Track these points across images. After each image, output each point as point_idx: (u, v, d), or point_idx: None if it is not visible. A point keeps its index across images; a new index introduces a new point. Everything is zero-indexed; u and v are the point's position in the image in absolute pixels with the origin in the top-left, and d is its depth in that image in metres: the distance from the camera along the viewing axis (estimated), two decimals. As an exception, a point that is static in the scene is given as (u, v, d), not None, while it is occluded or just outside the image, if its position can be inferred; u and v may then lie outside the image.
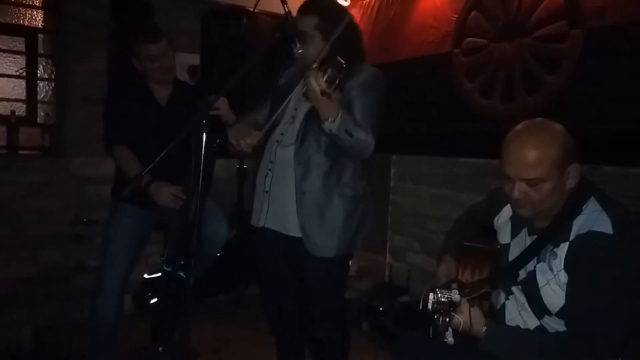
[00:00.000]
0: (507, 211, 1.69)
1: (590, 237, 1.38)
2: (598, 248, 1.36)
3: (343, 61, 1.64)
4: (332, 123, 1.77)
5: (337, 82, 1.64)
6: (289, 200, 2.03)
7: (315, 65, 1.72)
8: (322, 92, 1.65)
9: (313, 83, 1.66)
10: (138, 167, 2.40)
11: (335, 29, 1.86)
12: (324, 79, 1.63)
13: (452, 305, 1.39)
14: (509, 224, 1.67)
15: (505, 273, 1.60)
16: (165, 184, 2.39)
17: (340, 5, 2.24)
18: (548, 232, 1.49)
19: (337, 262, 2.08)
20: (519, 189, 1.45)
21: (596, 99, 2.39)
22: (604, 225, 1.37)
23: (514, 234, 1.64)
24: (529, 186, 1.44)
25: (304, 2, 2.06)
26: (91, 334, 2.49)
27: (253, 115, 2.26)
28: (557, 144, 1.42)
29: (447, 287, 1.47)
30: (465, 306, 1.41)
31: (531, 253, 1.52)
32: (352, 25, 2.09)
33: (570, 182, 1.45)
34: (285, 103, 2.04)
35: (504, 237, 1.68)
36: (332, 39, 1.85)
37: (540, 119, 1.49)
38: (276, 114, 2.03)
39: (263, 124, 2.13)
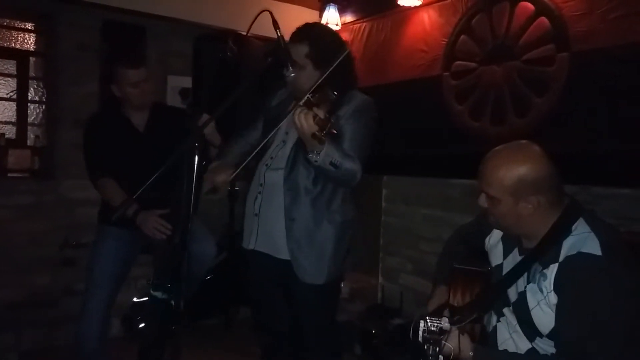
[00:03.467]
0: (498, 232, 1.70)
1: (579, 259, 1.38)
2: (586, 269, 1.36)
3: (335, 96, 1.63)
4: (317, 155, 1.77)
5: (329, 127, 1.60)
6: (278, 223, 2.02)
7: (308, 95, 1.71)
8: (313, 135, 1.63)
9: (304, 124, 1.64)
10: (122, 197, 2.37)
11: (326, 57, 1.86)
12: (315, 121, 1.61)
13: (443, 334, 1.38)
14: (500, 244, 1.67)
15: (494, 292, 1.59)
16: (152, 212, 2.38)
17: (334, 33, 2.21)
18: (535, 252, 1.49)
19: (328, 287, 2.07)
20: (482, 198, 1.54)
21: (584, 121, 2.42)
22: (593, 247, 1.37)
23: (506, 253, 1.64)
24: (488, 199, 1.51)
25: (296, 29, 2.06)
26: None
27: (242, 139, 2.27)
28: (516, 173, 1.44)
29: (437, 314, 1.45)
30: (454, 334, 1.40)
31: (518, 272, 1.52)
32: (347, 56, 2.09)
33: (530, 210, 1.45)
34: (277, 131, 2.04)
35: (497, 257, 1.68)
36: (327, 73, 1.83)
37: (523, 143, 1.50)
38: (266, 139, 2.03)
39: (255, 144, 2.13)
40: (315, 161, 1.78)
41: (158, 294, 2.36)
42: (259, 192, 2.09)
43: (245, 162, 1.98)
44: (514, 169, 1.44)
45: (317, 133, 1.62)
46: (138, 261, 2.68)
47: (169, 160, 1.79)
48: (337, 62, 1.83)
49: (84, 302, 2.44)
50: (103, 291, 2.43)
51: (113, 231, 2.47)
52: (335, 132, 1.65)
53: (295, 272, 2.00)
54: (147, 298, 3.09)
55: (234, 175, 1.96)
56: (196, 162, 1.84)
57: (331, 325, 2.19)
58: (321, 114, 1.62)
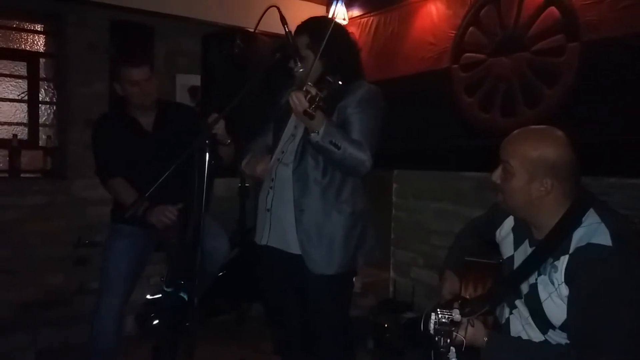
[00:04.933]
0: (509, 223, 1.69)
1: (589, 249, 1.37)
2: (596, 260, 1.35)
3: (332, 80, 1.65)
4: (317, 135, 1.81)
5: (317, 100, 1.65)
6: (289, 217, 2.03)
7: (308, 84, 1.74)
8: (305, 112, 1.68)
9: (295, 102, 1.70)
10: (134, 196, 2.38)
11: (328, 47, 1.86)
12: (307, 99, 1.66)
13: (454, 325, 1.38)
14: (511, 235, 1.67)
15: (507, 286, 1.59)
16: (161, 207, 2.38)
17: (331, 22, 2.24)
18: (545, 243, 1.49)
19: (339, 279, 2.06)
20: (497, 172, 1.54)
21: (596, 111, 2.40)
22: (603, 237, 1.36)
23: (517, 244, 1.63)
24: (503, 173, 1.51)
25: (299, 23, 2.08)
26: (89, 358, 2.47)
27: (262, 139, 2.29)
28: (540, 151, 1.44)
29: (448, 306, 1.45)
30: (465, 325, 1.40)
31: (530, 265, 1.52)
32: (345, 41, 2.11)
33: (542, 193, 1.45)
34: (286, 126, 2.06)
35: (507, 249, 1.67)
36: (319, 53, 1.87)
37: (554, 127, 1.51)
38: (281, 142, 2.06)
39: (270, 145, 2.17)
40: (316, 141, 1.81)
41: (171, 290, 2.37)
42: (271, 187, 2.10)
43: (277, 151, 2.05)
44: (540, 146, 1.45)
45: (307, 109, 1.67)
46: (151, 259, 2.69)
47: (180, 159, 1.80)
48: (325, 39, 1.83)
49: (99, 300, 2.46)
50: (117, 289, 2.45)
51: (126, 229, 2.48)
52: (322, 104, 1.69)
53: (305, 264, 2.01)
54: (160, 295, 3.10)
55: (272, 161, 2.03)
56: (207, 160, 1.85)
57: (343, 320, 2.19)
58: (312, 91, 1.66)
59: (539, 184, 1.45)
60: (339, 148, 1.84)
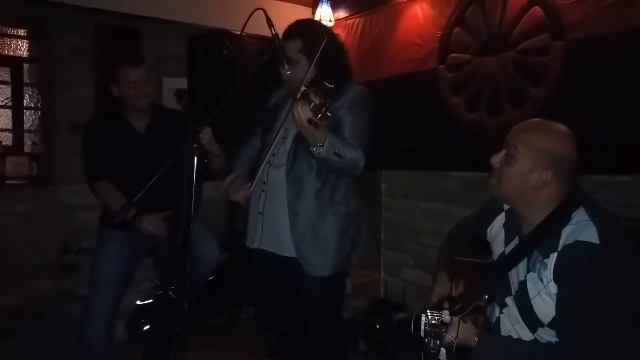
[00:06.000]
0: (500, 220, 1.70)
1: (577, 247, 1.38)
2: (584, 258, 1.36)
3: (330, 86, 1.64)
4: (320, 147, 1.77)
5: (324, 110, 1.62)
6: (282, 220, 2.03)
7: (303, 88, 1.73)
8: (309, 121, 1.64)
9: (300, 113, 1.65)
10: (121, 200, 2.37)
11: (322, 51, 1.86)
12: (310, 108, 1.63)
13: (444, 326, 1.38)
14: (502, 232, 1.68)
15: (495, 277, 1.60)
16: (152, 216, 2.38)
17: (323, 26, 2.27)
18: (534, 236, 1.50)
19: (333, 280, 2.07)
20: (498, 156, 1.54)
21: (582, 109, 2.42)
22: (590, 235, 1.38)
23: (508, 241, 1.64)
24: (505, 157, 1.51)
25: (288, 27, 2.08)
26: None
27: (249, 149, 2.29)
28: (549, 143, 1.46)
29: (438, 307, 1.45)
30: (455, 325, 1.40)
31: (517, 256, 1.53)
32: (336, 45, 2.11)
33: (539, 184, 1.46)
34: (276, 129, 2.05)
35: (498, 246, 1.68)
36: (315, 59, 1.86)
37: (565, 126, 1.52)
38: (271, 144, 2.05)
39: (259, 149, 2.17)
40: (319, 154, 1.79)
41: (160, 292, 2.36)
42: (263, 190, 2.10)
43: (259, 174, 2.03)
44: (552, 138, 1.47)
45: (312, 118, 1.63)
46: (141, 264, 2.68)
47: (168, 162, 1.79)
48: (322, 44, 1.83)
49: (88, 306, 2.44)
50: (107, 295, 2.43)
51: (115, 235, 2.46)
52: (329, 114, 1.66)
53: (301, 267, 2.00)
54: (150, 301, 3.08)
55: (251, 188, 2.01)
56: (195, 163, 1.85)
57: (337, 320, 2.20)
58: (316, 100, 1.63)
59: (539, 175, 1.46)
60: (341, 157, 1.82)
